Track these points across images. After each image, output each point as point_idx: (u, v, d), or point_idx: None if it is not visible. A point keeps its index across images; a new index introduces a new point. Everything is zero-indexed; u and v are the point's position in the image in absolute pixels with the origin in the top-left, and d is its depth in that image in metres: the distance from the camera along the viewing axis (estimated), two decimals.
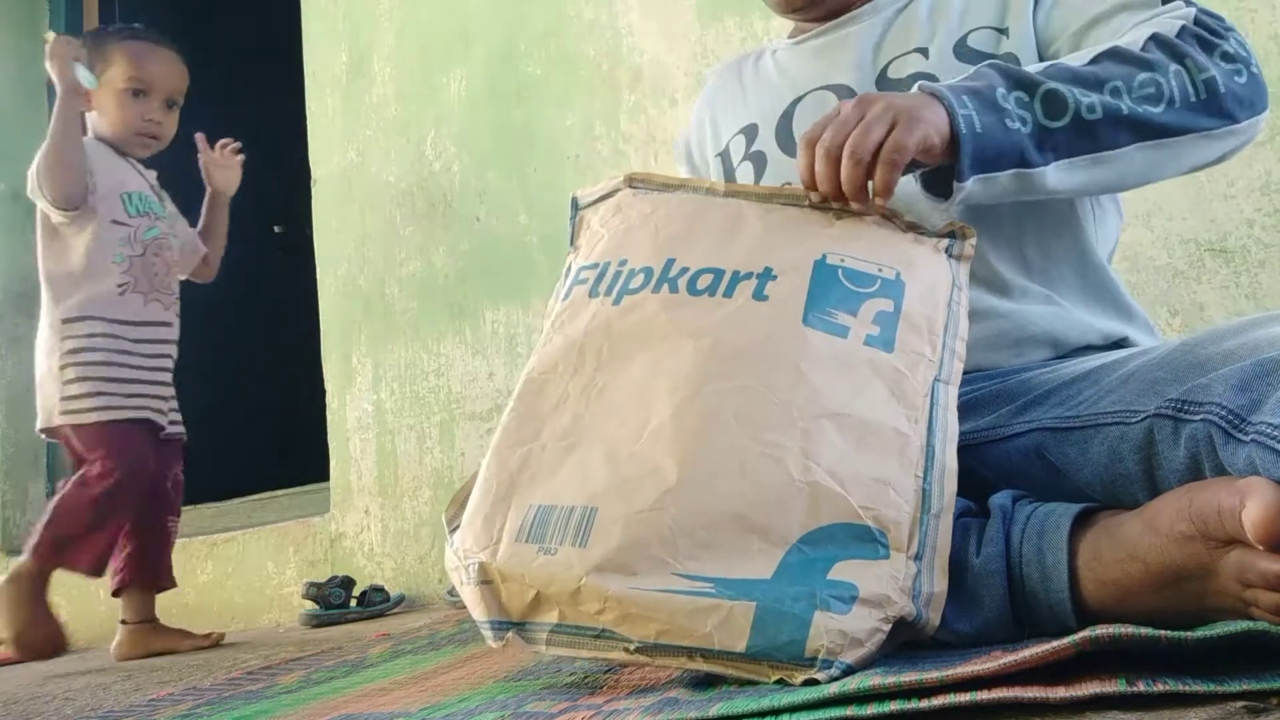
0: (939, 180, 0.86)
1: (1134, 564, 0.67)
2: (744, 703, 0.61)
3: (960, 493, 0.80)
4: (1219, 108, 0.87)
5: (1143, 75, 0.86)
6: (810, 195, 0.86)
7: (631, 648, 0.70)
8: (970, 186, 0.83)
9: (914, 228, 0.87)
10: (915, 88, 0.85)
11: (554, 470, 0.78)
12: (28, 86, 3.21)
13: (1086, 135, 0.84)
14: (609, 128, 2.21)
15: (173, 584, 1.98)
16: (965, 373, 0.93)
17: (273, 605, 2.44)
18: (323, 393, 2.51)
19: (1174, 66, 0.87)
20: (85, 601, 2.71)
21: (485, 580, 0.76)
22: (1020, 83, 0.85)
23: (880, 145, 0.79)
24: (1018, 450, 0.82)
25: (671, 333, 0.80)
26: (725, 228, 0.86)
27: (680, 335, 0.79)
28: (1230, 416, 0.64)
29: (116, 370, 1.88)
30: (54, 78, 1.86)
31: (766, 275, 0.81)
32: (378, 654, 1.31)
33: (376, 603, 2.12)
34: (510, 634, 0.75)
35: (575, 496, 0.75)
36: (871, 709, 0.56)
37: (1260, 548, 0.59)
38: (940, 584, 0.71)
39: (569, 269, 0.93)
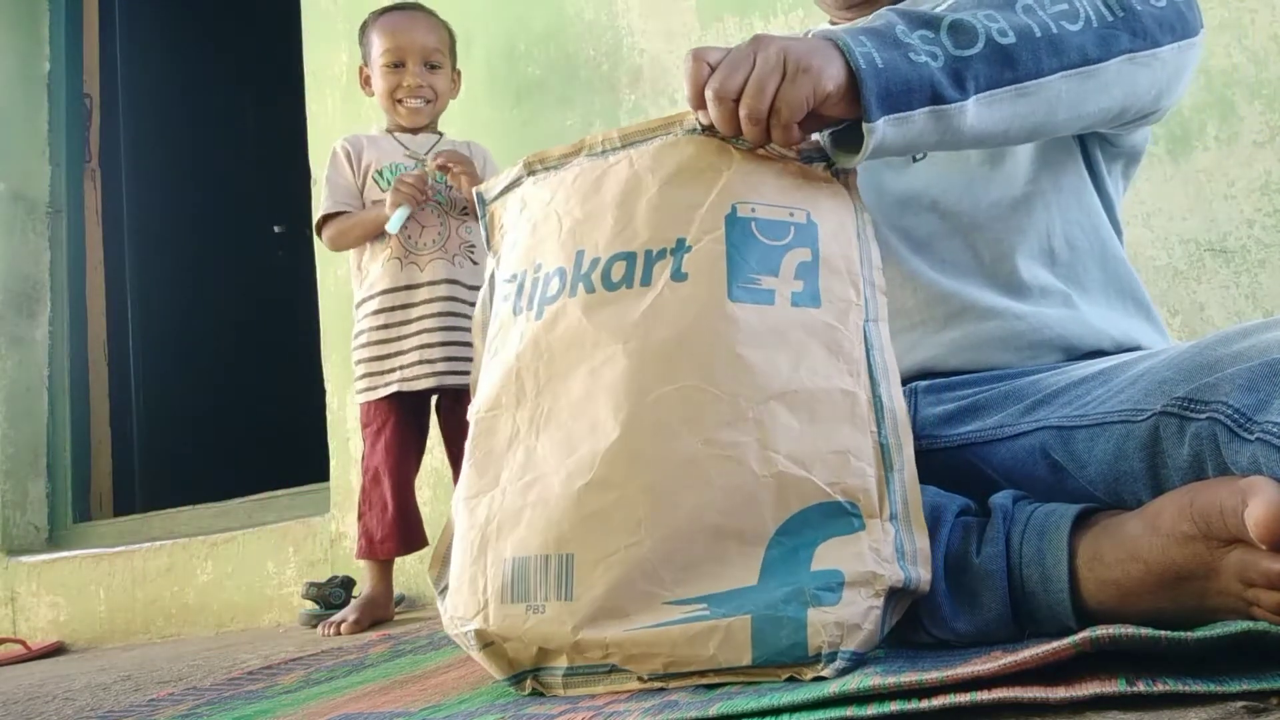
0: (850, 132, 0.80)
1: (1135, 564, 0.67)
2: (743, 702, 0.61)
3: (964, 491, 0.80)
4: (1139, 27, 0.84)
5: None
6: (699, 118, 0.79)
7: (645, 677, 0.70)
8: (882, 129, 0.76)
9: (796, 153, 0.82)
10: (809, 34, 0.81)
11: (517, 514, 0.76)
12: (28, 86, 3.21)
13: (1005, 62, 0.80)
14: (609, 128, 2.20)
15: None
16: (974, 371, 0.93)
17: (273, 605, 2.43)
18: (323, 393, 2.51)
19: None
20: (85, 601, 2.71)
21: (487, 644, 0.77)
22: (923, 21, 0.80)
23: (774, 100, 0.75)
24: (1024, 449, 0.82)
25: (600, 339, 0.76)
26: (623, 197, 0.81)
27: (609, 341, 0.76)
28: (1236, 415, 0.64)
29: (374, 349, 1.96)
30: (389, 204, 1.91)
31: (680, 248, 0.77)
32: (378, 654, 1.31)
33: None
34: (529, 681, 0.76)
35: (545, 542, 0.74)
36: (871, 709, 0.56)
37: (1263, 547, 0.59)
38: (921, 539, 0.71)
39: (491, 278, 0.90)
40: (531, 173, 0.89)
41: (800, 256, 0.77)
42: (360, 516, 2.00)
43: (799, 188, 0.80)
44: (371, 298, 1.98)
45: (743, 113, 0.76)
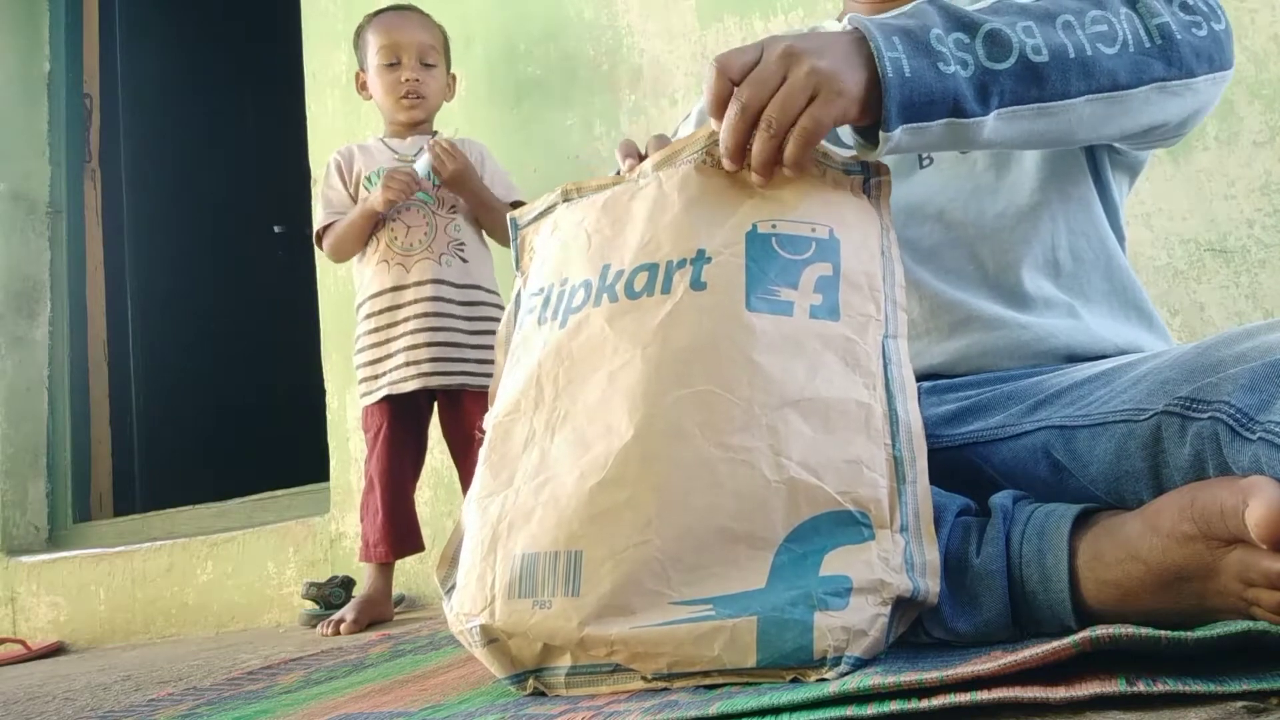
0: (868, 126, 0.80)
1: (1135, 564, 0.67)
2: (743, 701, 0.61)
3: (965, 491, 0.80)
4: (1175, 56, 0.83)
5: (1095, 12, 0.82)
6: (716, 141, 0.80)
7: (648, 677, 0.70)
8: (898, 137, 0.77)
9: (828, 166, 0.82)
10: (846, 21, 0.81)
11: (529, 513, 0.77)
12: (28, 86, 3.21)
13: (1033, 81, 0.79)
14: (609, 127, 2.20)
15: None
16: (976, 374, 0.93)
17: (273, 605, 2.44)
18: (323, 393, 2.51)
19: (1125, 10, 0.83)
20: (85, 601, 2.71)
21: (491, 640, 0.76)
22: (961, 22, 0.79)
23: (798, 117, 0.75)
24: (1025, 448, 0.82)
25: (620, 345, 0.77)
26: (650, 214, 0.82)
27: (629, 346, 0.77)
28: (1238, 415, 0.64)
29: (368, 354, 1.98)
30: (375, 196, 1.93)
31: (701, 259, 0.78)
32: (378, 654, 1.31)
33: None
34: (530, 680, 0.76)
35: (555, 539, 0.74)
36: (871, 709, 0.56)
37: (1263, 547, 0.59)
38: (931, 551, 0.71)
39: (517, 296, 0.92)
40: (567, 200, 0.91)
41: (821, 271, 0.77)
42: (361, 519, 2.01)
43: (824, 204, 0.81)
44: (365, 302, 2.00)
45: (762, 124, 0.76)
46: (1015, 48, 0.79)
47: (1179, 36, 0.83)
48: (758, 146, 0.77)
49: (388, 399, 1.95)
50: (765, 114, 0.75)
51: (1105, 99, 0.82)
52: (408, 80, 2.01)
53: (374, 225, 1.98)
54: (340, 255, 2.04)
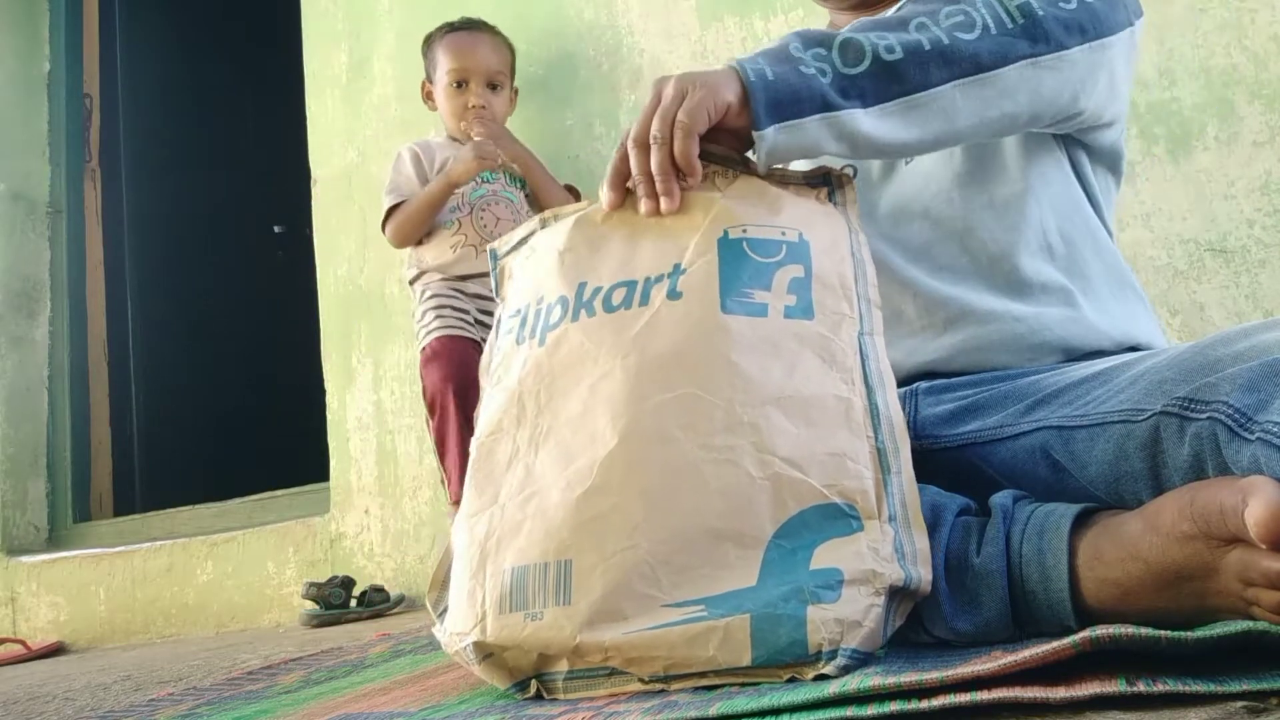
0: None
1: (1135, 563, 0.67)
2: (743, 702, 0.61)
3: (965, 491, 0.80)
4: (1039, 32, 0.84)
5: (949, 8, 0.84)
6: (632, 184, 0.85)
7: (645, 679, 0.70)
8: (772, 136, 0.81)
9: (789, 181, 0.86)
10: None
11: (516, 527, 0.77)
12: (28, 86, 3.21)
13: (891, 78, 0.82)
14: (609, 128, 2.20)
15: None
16: (974, 372, 0.93)
17: (273, 605, 2.44)
18: (323, 393, 2.51)
19: None
20: (85, 601, 2.71)
21: (486, 655, 0.77)
22: (816, 40, 0.84)
23: (676, 117, 0.80)
24: (1024, 449, 0.82)
25: (599, 357, 0.79)
26: (626, 235, 0.85)
27: (608, 357, 0.78)
28: (1236, 415, 0.64)
29: (448, 299, 1.97)
30: (461, 165, 1.96)
31: (677, 272, 0.80)
32: (378, 654, 1.31)
33: (376, 603, 2.12)
34: (533, 683, 0.76)
35: (544, 551, 0.74)
36: (871, 709, 0.56)
37: (1263, 546, 0.59)
38: (921, 540, 0.71)
39: (497, 322, 0.93)
40: (545, 226, 0.93)
41: (793, 272, 0.79)
42: (443, 457, 1.96)
43: (792, 210, 0.84)
44: (437, 272, 1.99)
45: (652, 144, 0.80)
46: (868, 51, 0.82)
47: (1041, 13, 0.85)
48: (654, 159, 0.81)
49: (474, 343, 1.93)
50: (650, 128, 0.80)
51: (973, 83, 0.84)
52: (474, 106, 2.02)
53: (443, 205, 1.99)
54: (405, 234, 2.00)
